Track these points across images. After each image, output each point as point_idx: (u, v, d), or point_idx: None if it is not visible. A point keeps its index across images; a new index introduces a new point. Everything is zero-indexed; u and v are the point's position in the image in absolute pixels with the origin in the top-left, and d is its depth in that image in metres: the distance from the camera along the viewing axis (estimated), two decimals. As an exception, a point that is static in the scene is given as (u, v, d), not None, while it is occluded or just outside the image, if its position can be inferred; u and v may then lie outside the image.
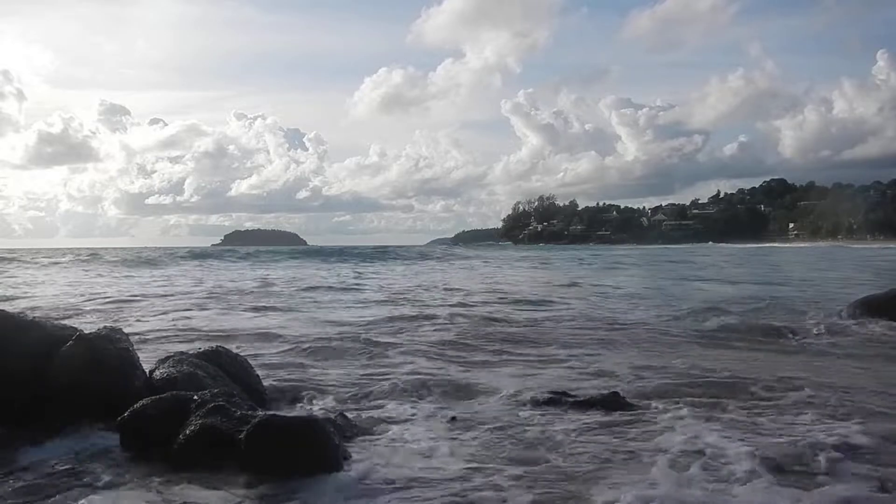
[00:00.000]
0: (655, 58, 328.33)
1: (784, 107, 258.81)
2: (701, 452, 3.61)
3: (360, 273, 25.82)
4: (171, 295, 14.45)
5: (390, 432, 4.11)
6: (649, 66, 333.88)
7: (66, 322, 5.29)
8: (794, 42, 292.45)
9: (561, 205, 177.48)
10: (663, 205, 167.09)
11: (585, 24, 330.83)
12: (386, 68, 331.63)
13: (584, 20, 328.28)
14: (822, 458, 3.49)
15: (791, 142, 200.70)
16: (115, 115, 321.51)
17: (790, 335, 7.97)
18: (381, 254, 50.25)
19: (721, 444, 3.71)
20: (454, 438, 4.00)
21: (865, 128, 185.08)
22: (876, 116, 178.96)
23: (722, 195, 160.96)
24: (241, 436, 3.20)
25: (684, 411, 4.46)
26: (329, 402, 4.86)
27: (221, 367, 4.63)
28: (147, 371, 4.34)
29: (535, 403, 4.66)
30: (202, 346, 5.36)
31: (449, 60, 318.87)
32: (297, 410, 4.66)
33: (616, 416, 4.36)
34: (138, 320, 9.56)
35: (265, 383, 5.00)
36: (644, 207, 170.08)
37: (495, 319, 9.70)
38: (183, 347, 5.82)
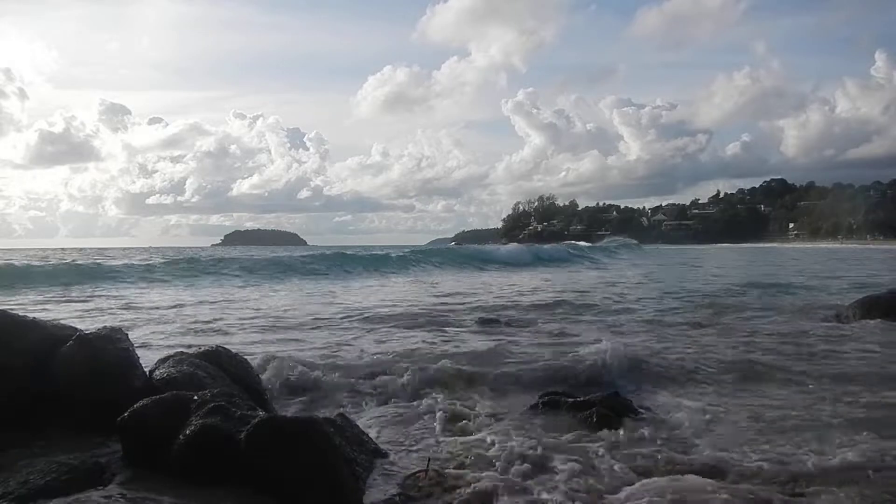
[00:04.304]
0: (663, 56, 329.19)
1: (788, 106, 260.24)
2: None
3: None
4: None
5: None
6: (657, 64, 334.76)
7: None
8: (800, 41, 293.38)
9: (561, 205, 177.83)
10: (663, 205, 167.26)
11: (593, 23, 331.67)
12: (390, 66, 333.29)
13: (591, 18, 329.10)
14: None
15: (794, 141, 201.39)
16: (116, 115, 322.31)
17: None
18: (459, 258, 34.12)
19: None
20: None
21: (869, 128, 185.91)
22: (880, 116, 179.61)
23: (722, 195, 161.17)
24: (241, 436, 3.20)
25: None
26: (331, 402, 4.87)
27: (221, 367, 4.62)
28: (147, 371, 4.34)
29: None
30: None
31: (454, 59, 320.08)
32: (298, 411, 4.66)
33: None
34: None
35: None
36: (644, 207, 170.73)
37: None
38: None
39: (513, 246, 48.44)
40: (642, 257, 45.84)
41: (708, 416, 4.41)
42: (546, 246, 49.18)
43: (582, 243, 62.64)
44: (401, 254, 32.54)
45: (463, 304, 12.39)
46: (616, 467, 3.50)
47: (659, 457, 3.68)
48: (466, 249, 44.18)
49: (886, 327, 8.32)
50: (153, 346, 7.09)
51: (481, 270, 28.61)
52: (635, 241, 72.67)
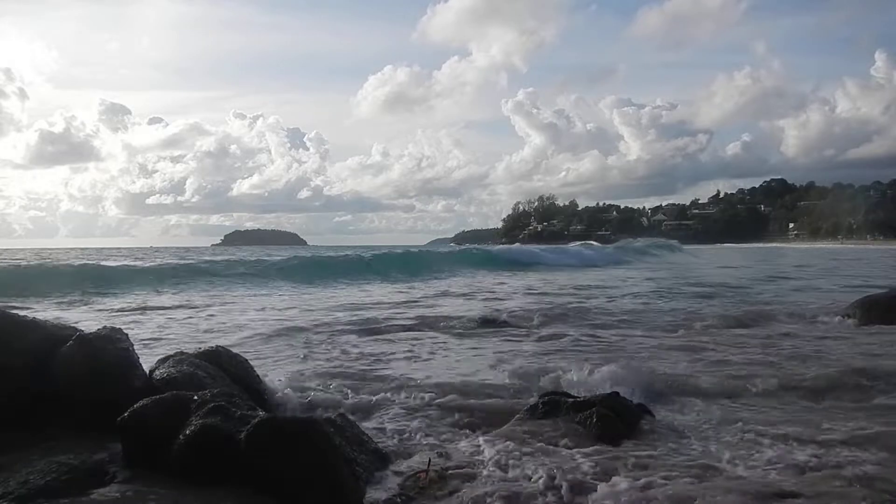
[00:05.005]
0: (663, 56, 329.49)
1: (789, 106, 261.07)
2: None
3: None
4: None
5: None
6: (657, 64, 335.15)
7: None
8: (800, 41, 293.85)
9: (561, 205, 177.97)
10: (663, 205, 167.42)
11: (593, 23, 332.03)
12: (390, 66, 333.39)
13: (592, 18, 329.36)
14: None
15: (794, 141, 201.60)
16: (115, 115, 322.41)
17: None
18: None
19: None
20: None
21: (869, 128, 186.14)
22: (880, 116, 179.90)
23: (722, 195, 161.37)
24: (241, 436, 3.20)
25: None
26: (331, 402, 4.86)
27: (221, 367, 4.62)
28: (147, 371, 4.34)
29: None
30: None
31: (454, 59, 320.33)
32: (299, 411, 4.66)
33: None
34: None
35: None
36: (644, 207, 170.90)
37: None
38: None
39: (546, 247, 44.82)
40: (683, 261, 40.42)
41: (709, 421, 4.41)
42: (570, 245, 45.70)
43: (594, 244, 57.54)
44: (444, 250, 31.05)
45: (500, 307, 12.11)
46: (613, 469, 3.49)
47: (656, 458, 3.68)
48: (508, 251, 38.88)
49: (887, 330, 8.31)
50: (154, 347, 7.10)
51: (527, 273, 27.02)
52: (674, 241, 63.59)
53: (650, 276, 22.07)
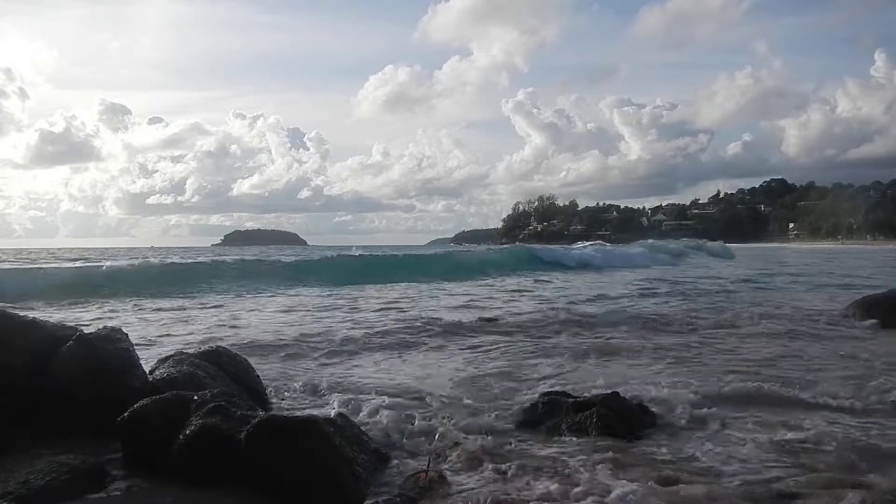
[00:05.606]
0: (664, 56, 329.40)
1: (789, 106, 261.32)
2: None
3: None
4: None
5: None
6: (658, 64, 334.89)
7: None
8: (801, 41, 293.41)
9: (561, 205, 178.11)
10: (663, 205, 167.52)
11: (595, 22, 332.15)
12: (391, 66, 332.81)
13: (593, 18, 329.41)
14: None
15: (795, 141, 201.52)
16: (116, 115, 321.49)
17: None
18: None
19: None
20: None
21: (870, 127, 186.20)
22: (880, 116, 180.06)
23: (722, 195, 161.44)
24: (242, 436, 3.20)
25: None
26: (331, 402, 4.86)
27: (221, 367, 4.63)
28: (147, 371, 4.34)
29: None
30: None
31: (455, 58, 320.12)
32: (299, 410, 4.66)
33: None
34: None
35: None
36: (644, 207, 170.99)
37: None
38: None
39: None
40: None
41: (710, 422, 4.40)
42: (585, 245, 42.21)
43: (607, 245, 51.93)
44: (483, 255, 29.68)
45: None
46: (613, 469, 3.50)
47: (656, 459, 3.69)
48: (550, 252, 34.12)
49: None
50: (154, 347, 7.10)
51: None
52: (701, 239, 56.58)
53: (692, 277, 21.51)
